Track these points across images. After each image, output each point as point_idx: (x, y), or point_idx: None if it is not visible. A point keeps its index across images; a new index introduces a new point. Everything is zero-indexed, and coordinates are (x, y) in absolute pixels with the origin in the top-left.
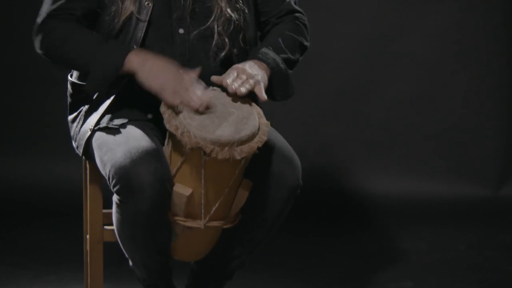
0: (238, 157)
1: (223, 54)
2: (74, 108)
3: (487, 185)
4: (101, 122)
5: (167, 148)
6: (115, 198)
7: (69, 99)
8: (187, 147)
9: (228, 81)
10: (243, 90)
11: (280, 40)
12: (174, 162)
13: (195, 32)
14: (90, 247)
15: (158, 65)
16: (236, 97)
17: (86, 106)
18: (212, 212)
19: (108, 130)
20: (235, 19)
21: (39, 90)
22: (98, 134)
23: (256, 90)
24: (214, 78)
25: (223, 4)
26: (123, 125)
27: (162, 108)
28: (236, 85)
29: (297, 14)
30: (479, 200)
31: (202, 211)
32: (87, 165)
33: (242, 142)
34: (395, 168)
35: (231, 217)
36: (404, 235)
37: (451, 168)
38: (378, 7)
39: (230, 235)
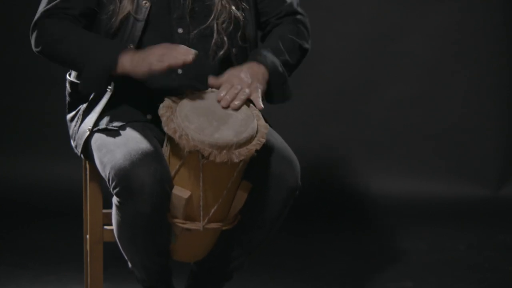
0: (236, 160)
1: (221, 52)
2: (72, 107)
3: (487, 185)
4: (100, 123)
5: (166, 150)
6: (114, 200)
7: (67, 98)
8: (185, 150)
9: (222, 94)
10: (236, 104)
11: (280, 42)
12: (173, 164)
13: (194, 32)
14: (90, 247)
15: (144, 53)
16: None
17: (84, 105)
18: (210, 214)
19: (107, 131)
20: (234, 16)
21: (39, 90)
22: (97, 136)
23: (253, 98)
24: (211, 80)
25: (223, 2)
26: (123, 127)
27: (161, 111)
28: (228, 98)
29: (298, 16)
30: (479, 200)
31: (201, 213)
32: (87, 165)
33: (240, 145)
34: (395, 168)
35: (230, 219)
36: (404, 235)
37: (451, 168)
38: (378, 7)
39: (229, 237)
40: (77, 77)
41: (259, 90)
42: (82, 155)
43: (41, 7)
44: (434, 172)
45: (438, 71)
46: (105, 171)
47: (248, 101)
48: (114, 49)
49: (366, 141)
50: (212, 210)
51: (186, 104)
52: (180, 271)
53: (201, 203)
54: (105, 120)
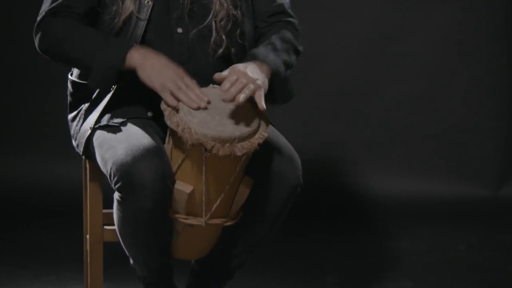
0: (239, 153)
1: (220, 51)
2: (74, 107)
3: (487, 185)
4: (102, 120)
5: (168, 146)
6: (116, 195)
7: (69, 98)
8: (188, 143)
9: (226, 86)
10: (241, 98)
11: (278, 42)
12: (175, 159)
13: (194, 31)
14: (90, 247)
15: (159, 63)
16: None
17: (86, 105)
18: (213, 209)
19: (109, 128)
20: (232, 14)
21: (39, 90)
22: (98, 133)
23: (256, 97)
24: (216, 76)
25: (221, 0)
26: (124, 123)
27: (163, 105)
28: (233, 91)
29: (290, 19)
30: (479, 200)
31: (203, 209)
32: (87, 165)
33: (243, 138)
34: (395, 168)
35: (232, 215)
36: (404, 235)
37: (451, 168)
38: (380, 7)
39: (231, 233)
40: (84, 76)
41: (262, 90)
42: (83, 155)
43: (45, 6)
44: (434, 172)
45: (440, 71)
46: (107, 167)
47: (250, 98)
48: (122, 45)
49: (366, 141)
50: (215, 206)
51: None
52: (181, 270)
53: (203, 198)
54: (106, 117)
